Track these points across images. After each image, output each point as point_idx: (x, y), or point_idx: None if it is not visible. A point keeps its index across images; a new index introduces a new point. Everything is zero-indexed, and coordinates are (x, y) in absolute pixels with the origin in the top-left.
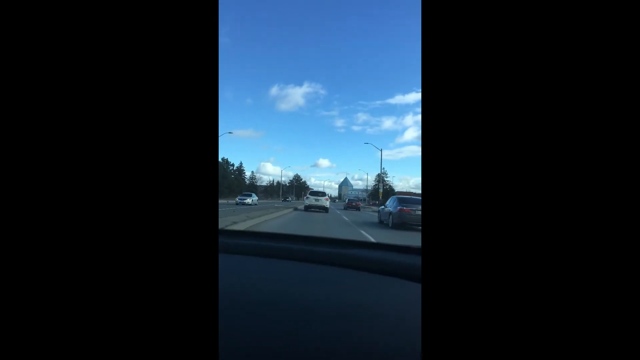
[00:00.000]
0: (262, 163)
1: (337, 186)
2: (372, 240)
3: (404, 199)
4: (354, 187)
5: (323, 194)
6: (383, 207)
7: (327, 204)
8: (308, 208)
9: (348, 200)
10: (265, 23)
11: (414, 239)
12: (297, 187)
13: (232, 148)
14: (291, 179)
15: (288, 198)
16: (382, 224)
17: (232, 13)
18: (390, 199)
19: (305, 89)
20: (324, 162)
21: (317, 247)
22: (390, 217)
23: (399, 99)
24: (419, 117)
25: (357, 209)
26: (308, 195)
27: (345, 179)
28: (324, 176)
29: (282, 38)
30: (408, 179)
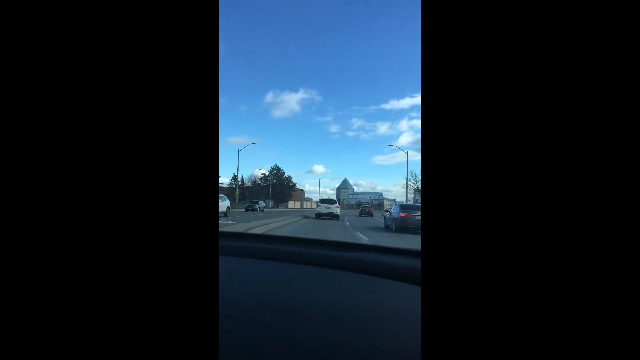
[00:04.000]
0: (256, 170)
1: (332, 192)
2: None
3: (405, 205)
4: (356, 189)
5: (334, 201)
6: (388, 213)
7: (337, 211)
8: (319, 216)
9: (362, 207)
10: (261, 31)
11: (413, 241)
12: (277, 186)
13: (227, 156)
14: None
15: None
16: (387, 228)
17: (228, 21)
18: (393, 206)
19: (301, 95)
20: (319, 168)
21: (316, 250)
22: (394, 222)
23: (393, 104)
24: (414, 122)
25: (371, 215)
26: (319, 203)
27: (345, 180)
28: (319, 182)
29: (277, 45)
30: (403, 183)
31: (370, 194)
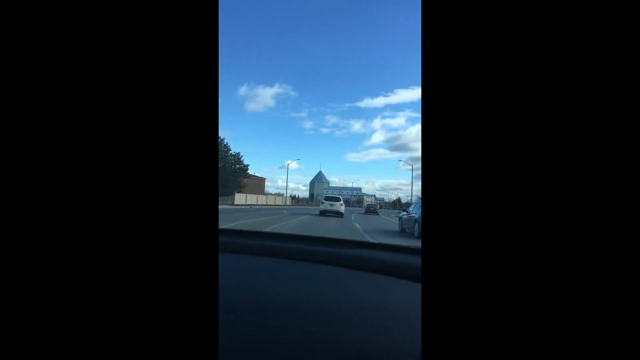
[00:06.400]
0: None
1: (305, 188)
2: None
3: None
4: (330, 184)
5: (338, 199)
6: (405, 213)
7: (342, 209)
8: (323, 213)
9: (367, 205)
10: (237, 24)
11: None
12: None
13: None
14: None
15: None
16: (404, 232)
17: None
18: (413, 205)
19: (276, 89)
20: (292, 164)
21: (317, 247)
22: (416, 224)
23: (367, 103)
24: (387, 120)
25: (376, 213)
26: (323, 201)
27: (319, 173)
28: (292, 178)
29: (253, 38)
30: (374, 181)
31: (351, 189)
